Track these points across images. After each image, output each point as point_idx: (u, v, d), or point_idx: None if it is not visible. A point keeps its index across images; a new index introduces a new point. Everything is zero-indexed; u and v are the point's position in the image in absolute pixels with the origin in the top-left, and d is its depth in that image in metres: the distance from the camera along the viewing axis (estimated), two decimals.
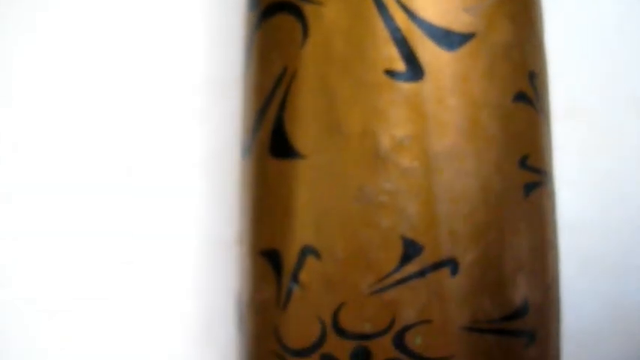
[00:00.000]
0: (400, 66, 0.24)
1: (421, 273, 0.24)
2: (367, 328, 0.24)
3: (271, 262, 0.25)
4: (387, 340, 0.24)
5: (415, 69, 0.24)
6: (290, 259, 0.25)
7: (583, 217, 0.35)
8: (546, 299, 0.26)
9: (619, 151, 0.35)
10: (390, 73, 0.24)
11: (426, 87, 0.24)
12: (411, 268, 0.24)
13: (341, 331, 0.24)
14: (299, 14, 0.25)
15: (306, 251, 0.25)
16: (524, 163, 0.25)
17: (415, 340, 0.24)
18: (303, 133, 0.25)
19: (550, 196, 0.26)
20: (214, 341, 0.34)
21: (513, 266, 0.25)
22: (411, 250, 0.24)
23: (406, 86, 0.24)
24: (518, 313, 0.25)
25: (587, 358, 0.35)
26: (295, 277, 0.25)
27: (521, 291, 0.25)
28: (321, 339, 0.25)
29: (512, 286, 0.25)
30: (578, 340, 0.35)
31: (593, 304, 0.35)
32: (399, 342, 0.24)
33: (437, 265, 0.24)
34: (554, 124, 0.29)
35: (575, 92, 0.35)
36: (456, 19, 0.24)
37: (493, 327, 0.24)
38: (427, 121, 0.24)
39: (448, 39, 0.24)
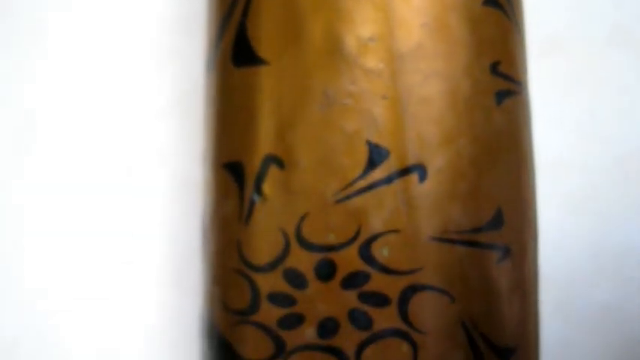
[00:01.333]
0: None
1: (387, 179, 0.23)
2: (332, 239, 0.23)
3: (234, 174, 0.24)
4: (352, 252, 0.23)
5: None
6: (252, 171, 0.24)
7: (563, 156, 0.34)
8: (522, 214, 0.25)
9: (599, 87, 0.35)
10: None
11: None
12: (377, 174, 0.23)
13: (305, 243, 0.23)
14: None
15: (269, 161, 0.24)
16: (495, 69, 0.24)
17: (382, 251, 0.23)
18: (266, 39, 0.24)
19: (525, 107, 0.25)
20: (185, 284, 0.33)
21: (486, 176, 0.24)
22: (376, 155, 0.23)
23: None
24: (492, 225, 0.24)
25: (569, 302, 0.34)
26: (258, 189, 0.24)
27: (494, 202, 0.24)
28: (284, 252, 0.24)
29: (485, 195, 0.24)
30: (559, 284, 0.34)
31: (574, 245, 0.34)
32: (366, 253, 0.23)
33: (404, 171, 0.23)
34: (530, 61, 0.28)
35: (553, 27, 0.35)
36: None
37: (464, 238, 0.23)
38: (393, 21, 0.23)
39: None
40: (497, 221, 0.24)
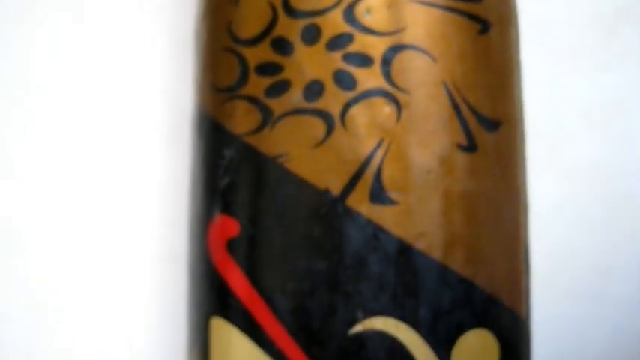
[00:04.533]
0: None
1: None
2: (316, 4, 0.24)
3: None
4: (337, 15, 0.24)
5: None
6: None
7: None
8: None
9: None
10: None
11: None
12: None
13: (291, 11, 0.24)
14: None
15: None
16: None
17: (365, 14, 0.24)
18: None
19: None
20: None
21: None
22: None
23: None
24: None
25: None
26: None
27: None
28: (272, 23, 0.24)
29: None
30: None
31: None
32: (350, 16, 0.24)
33: None
34: None
35: None
36: None
37: (447, 4, 0.24)
38: None
39: None
40: None
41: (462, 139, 0.24)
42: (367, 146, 0.24)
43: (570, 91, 0.34)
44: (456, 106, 0.24)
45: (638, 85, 0.34)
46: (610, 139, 0.34)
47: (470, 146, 0.24)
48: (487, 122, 0.25)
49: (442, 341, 0.24)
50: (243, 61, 0.25)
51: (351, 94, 0.24)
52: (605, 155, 0.34)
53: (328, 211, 0.24)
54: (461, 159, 0.24)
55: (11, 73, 0.33)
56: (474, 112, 0.24)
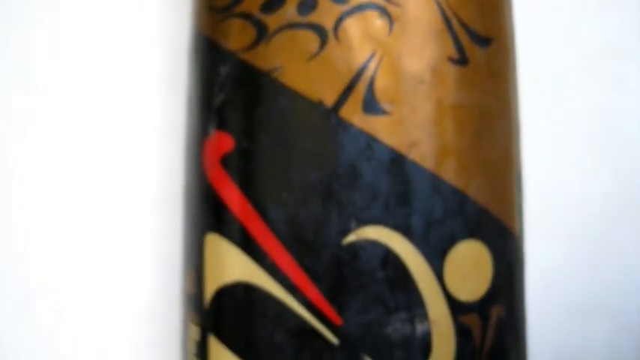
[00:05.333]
0: None
1: None
2: None
3: None
4: None
5: None
6: None
7: None
8: None
9: None
10: None
11: None
12: None
13: None
14: None
15: None
16: None
17: None
18: None
19: None
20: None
21: None
22: None
23: None
24: None
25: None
26: None
27: None
28: None
29: None
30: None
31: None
32: None
33: None
34: None
35: None
36: None
37: None
38: None
39: None
40: None
41: (453, 53, 0.24)
42: (360, 58, 0.24)
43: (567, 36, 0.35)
44: (446, 20, 0.24)
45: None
46: (605, 85, 0.34)
47: (461, 59, 0.24)
48: (478, 38, 0.25)
49: (435, 251, 0.24)
50: None
51: (344, 8, 0.24)
52: (601, 100, 0.34)
53: (322, 123, 0.24)
54: (452, 71, 0.24)
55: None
56: (464, 26, 0.25)
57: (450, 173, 0.24)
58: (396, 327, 0.24)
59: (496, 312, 0.25)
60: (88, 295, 0.33)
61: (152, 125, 0.33)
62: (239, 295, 0.25)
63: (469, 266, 0.24)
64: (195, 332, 0.26)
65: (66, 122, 0.33)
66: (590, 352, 0.33)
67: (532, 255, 0.32)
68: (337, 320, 0.24)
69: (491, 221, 0.25)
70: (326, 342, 0.24)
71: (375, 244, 0.24)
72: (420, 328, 0.24)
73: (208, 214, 0.26)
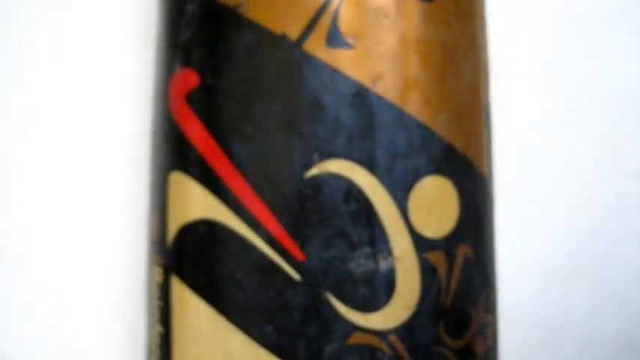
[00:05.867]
0: None
1: None
2: None
3: None
4: None
5: None
6: None
7: None
8: None
9: None
10: None
11: None
12: None
13: None
14: None
15: None
16: None
17: None
18: None
19: None
20: None
21: None
22: None
23: None
24: None
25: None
26: None
27: None
28: None
29: None
30: None
31: None
32: None
33: None
34: None
35: None
36: None
37: None
38: None
39: None
40: None
41: None
42: None
43: None
44: None
45: None
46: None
47: None
48: None
49: (399, 185, 0.24)
50: None
51: None
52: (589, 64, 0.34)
53: (285, 56, 0.24)
54: (417, 6, 0.24)
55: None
56: None
57: (414, 107, 0.24)
58: (359, 263, 0.24)
59: (463, 251, 0.25)
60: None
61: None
62: (201, 232, 0.25)
63: (434, 202, 0.24)
64: (158, 274, 0.26)
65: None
66: (569, 314, 0.32)
67: (506, 217, 0.31)
68: (299, 256, 0.24)
69: (457, 158, 0.24)
70: (288, 278, 0.24)
71: (337, 178, 0.24)
72: (383, 264, 0.24)
73: (172, 153, 0.25)
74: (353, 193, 0.24)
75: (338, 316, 0.24)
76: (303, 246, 0.24)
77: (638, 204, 0.34)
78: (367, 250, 0.24)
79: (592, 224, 0.32)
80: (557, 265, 0.32)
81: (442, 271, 0.24)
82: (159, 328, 0.26)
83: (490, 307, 0.26)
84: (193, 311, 0.25)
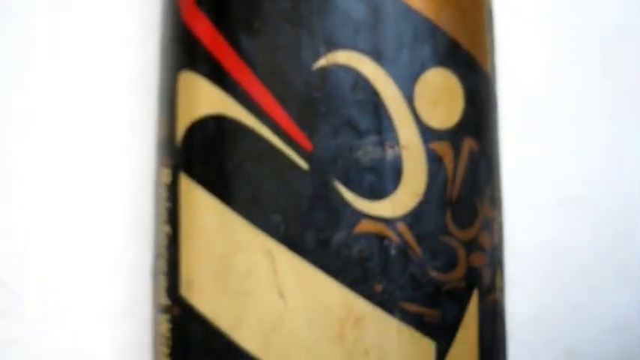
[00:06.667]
0: None
1: None
2: None
3: None
4: None
5: None
6: None
7: None
8: None
9: None
10: None
11: None
12: None
13: None
14: None
15: None
16: None
17: None
18: None
19: None
20: None
21: None
22: None
23: None
24: None
25: None
26: None
27: None
28: None
29: None
30: None
31: None
32: None
33: None
34: None
35: None
36: None
37: None
38: None
39: None
40: None
41: None
42: None
43: None
44: None
45: None
46: None
47: None
48: None
49: (405, 76, 0.24)
50: None
51: None
52: None
53: None
54: None
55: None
56: None
57: (419, 1, 0.24)
58: (366, 151, 0.24)
59: (468, 144, 0.25)
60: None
61: None
62: (210, 128, 0.25)
63: (439, 94, 0.24)
64: (166, 175, 0.26)
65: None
66: (573, 243, 0.32)
67: (507, 148, 0.32)
68: (307, 145, 0.24)
69: (461, 53, 0.25)
70: (296, 167, 0.24)
71: (345, 69, 0.24)
72: (390, 152, 0.24)
73: (182, 53, 0.26)
74: (360, 83, 0.24)
75: (346, 204, 0.24)
76: (311, 136, 0.24)
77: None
78: (374, 138, 0.24)
79: (595, 161, 0.33)
80: (560, 195, 0.32)
81: (448, 162, 0.24)
82: (166, 228, 0.26)
83: (496, 203, 0.26)
84: (201, 207, 0.25)
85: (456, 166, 0.25)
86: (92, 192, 0.31)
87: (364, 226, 0.24)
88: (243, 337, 0.24)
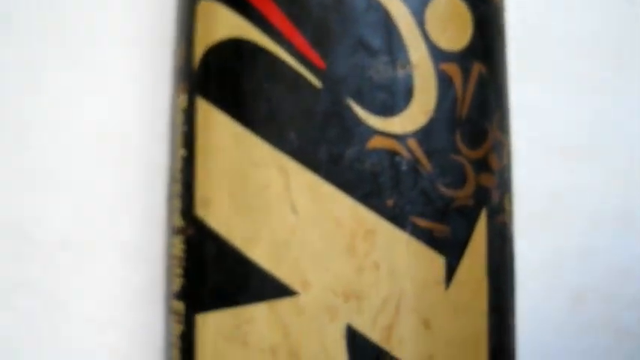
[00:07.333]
0: None
1: None
2: None
3: None
4: None
5: None
6: None
7: None
8: None
9: None
10: None
11: None
12: None
13: None
14: None
15: None
16: None
17: None
18: None
19: None
20: None
21: None
22: None
23: None
24: None
25: None
26: None
27: None
28: None
29: None
30: None
31: None
32: None
33: None
34: None
35: None
36: None
37: None
38: None
39: None
40: None
41: None
42: None
43: None
44: None
45: None
46: None
47: None
48: None
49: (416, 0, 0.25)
50: None
51: None
52: None
53: None
54: None
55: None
56: None
57: None
58: (378, 69, 0.25)
59: (477, 68, 0.26)
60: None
61: None
62: (228, 51, 0.26)
63: (449, 18, 0.25)
64: (183, 101, 0.27)
65: None
66: (579, 195, 0.33)
67: (513, 94, 0.32)
68: (321, 64, 0.25)
69: None
70: (310, 85, 0.25)
71: None
72: (401, 71, 0.25)
73: None
74: (373, 5, 0.25)
75: (358, 121, 0.25)
76: (325, 56, 0.25)
77: None
78: (386, 57, 0.25)
79: (594, 105, 0.33)
80: (563, 144, 0.33)
81: (457, 82, 0.25)
82: (182, 152, 0.27)
83: (504, 128, 0.26)
84: (218, 128, 0.26)
85: (465, 88, 0.25)
86: (105, 142, 0.32)
87: (376, 141, 0.25)
88: (256, 253, 0.25)
